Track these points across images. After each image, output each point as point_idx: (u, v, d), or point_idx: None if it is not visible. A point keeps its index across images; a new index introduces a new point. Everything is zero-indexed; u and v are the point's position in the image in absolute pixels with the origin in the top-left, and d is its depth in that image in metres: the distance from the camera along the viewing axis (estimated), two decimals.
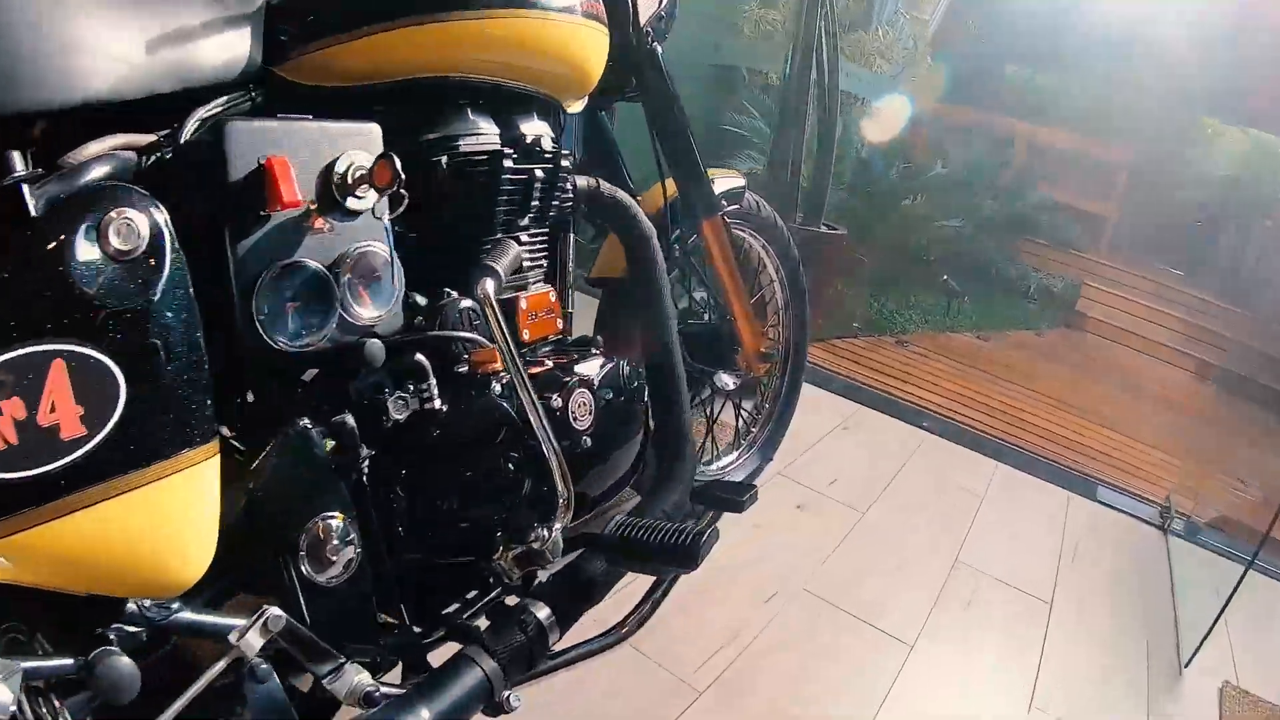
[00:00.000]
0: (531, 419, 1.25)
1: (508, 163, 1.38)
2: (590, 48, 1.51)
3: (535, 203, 1.47)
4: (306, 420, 1.11)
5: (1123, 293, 7.63)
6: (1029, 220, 7.55)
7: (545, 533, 1.29)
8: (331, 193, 1.09)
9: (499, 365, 1.32)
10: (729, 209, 2.23)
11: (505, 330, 1.23)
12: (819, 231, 3.50)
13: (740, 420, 2.66)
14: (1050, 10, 8.32)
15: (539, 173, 1.44)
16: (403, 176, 1.08)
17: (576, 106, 1.64)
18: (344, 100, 1.24)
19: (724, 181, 2.24)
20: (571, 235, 1.70)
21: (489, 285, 1.24)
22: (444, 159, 1.32)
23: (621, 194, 1.69)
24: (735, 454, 2.64)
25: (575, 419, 1.39)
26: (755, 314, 2.36)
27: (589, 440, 1.42)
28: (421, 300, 1.33)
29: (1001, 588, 2.50)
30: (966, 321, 6.04)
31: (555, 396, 1.37)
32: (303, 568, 1.09)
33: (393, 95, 1.27)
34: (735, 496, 1.61)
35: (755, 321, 2.28)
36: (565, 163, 1.51)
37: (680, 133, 2.01)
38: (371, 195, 1.12)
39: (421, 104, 1.33)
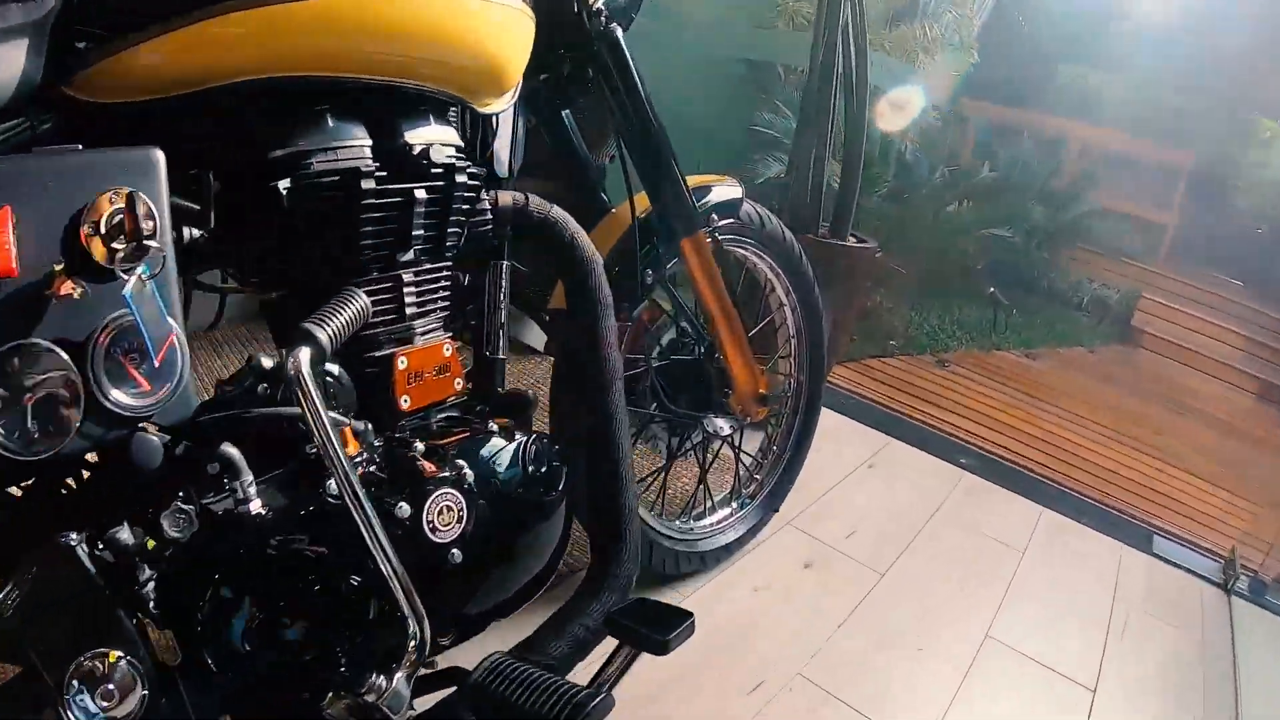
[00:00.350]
0: (364, 534, 0.95)
1: (368, 183, 1.07)
2: (503, 32, 1.21)
3: (421, 230, 1.17)
4: (72, 536, 0.87)
5: (1181, 306, 7.21)
6: (1082, 228, 7.13)
7: (383, 681, 0.98)
8: (81, 248, 0.82)
9: (350, 449, 1.03)
10: (721, 224, 1.91)
11: (323, 412, 0.93)
12: (845, 245, 3.12)
13: (741, 466, 2.33)
14: (1103, 7, 7.91)
15: (421, 193, 1.14)
16: (146, 227, 0.83)
17: (496, 105, 1.32)
18: (159, 117, 0.95)
19: (717, 190, 1.92)
20: (505, 264, 1.39)
21: (302, 355, 0.93)
22: (285, 183, 1.03)
23: (557, 212, 1.38)
24: (731, 507, 2.30)
25: (434, 530, 1.07)
26: (760, 346, 2.05)
27: (458, 554, 1.11)
28: (268, 363, 1.04)
29: (1038, 671, 2.14)
30: (1014, 337, 5.64)
31: (401, 502, 1.05)
32: (70, 714, 0.86)
33: (224, 104, 0.99)
34: (657, 634, 1.24)
35: (751, 358, 1.95)
36: (467, 176, 1.21)
37: (650, 134, 1.68)
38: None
39: (265, 113, 1.04)
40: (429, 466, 1.10)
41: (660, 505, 2.18)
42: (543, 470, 1.23)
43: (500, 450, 1.20)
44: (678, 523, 2.16)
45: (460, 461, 1.14)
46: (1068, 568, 2.69)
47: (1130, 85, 8.00)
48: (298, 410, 0.98)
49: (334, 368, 1.09)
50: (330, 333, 1.00)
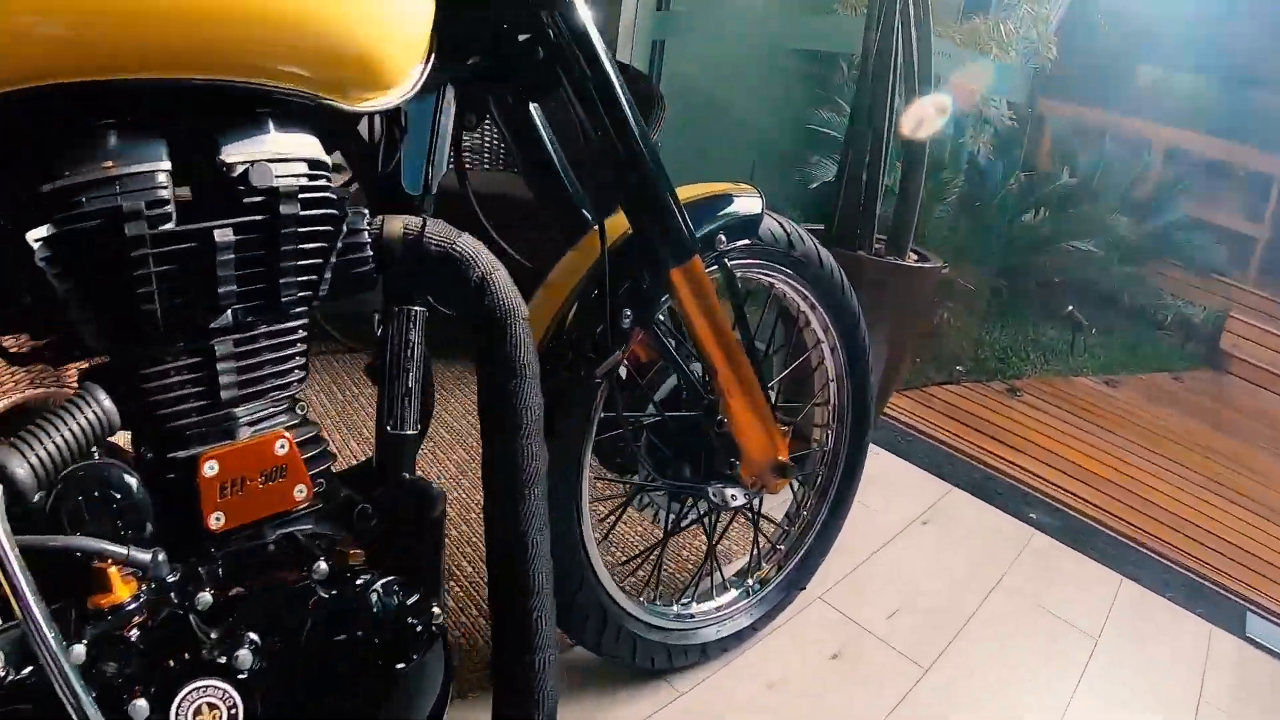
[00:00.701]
0: None
1: (136, 227, 0.74)
2: (369, 4, 0.86)
3: (234, 285, 0.81)
4: None
5: (1273, 327, 6.64)
6: (1166, 240, 6.59)
7: None
8: None
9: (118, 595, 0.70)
10: (732, 247, 1.51)
11: (17, 571, 0.65)
12: (903, 265, 2.69)
13: (760, 537, 1.92)
14: (1186, 3, 7.37)
15: (226, 234, 0.79)
16: None
17: (379, 101, 0.93)
18: None
19: (728, 204, 1.53)
20: (417, 311, 1.03)
21: None
22: (41, 231, 0.74)
23: (465, 243, 1.00)
24: (745, 586, 1.90)
25: None
26: (793, 391, 1.65)
27: None
28: None
29: None
30: (1093, 361, 5.16)
31: (136, 700, 0.72)
32: None
33: None
34: None
35: (768, 417, 1.55)
36: (308, 205, 0.85)
37: (625, 134, 1.27)
38: None
39: (32, 135, 0.75)
40: (201, 640, 0.74)
41: (653, 589, 1.79)
42: (392, 634, 0.85)
43: (324, 605, 0.84)
44: (675, 608, 1.77)
45: (250, 634, 0.77)
46: (1148, 658, 2.24)
47: (1217, 86, 7.46)
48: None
49: (130, 478, 0.78)
50: (36, 462, 0.71)
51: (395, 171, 1.06)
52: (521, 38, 1.22)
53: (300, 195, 0.84)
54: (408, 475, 1.04)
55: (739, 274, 1.59)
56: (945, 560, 2.43)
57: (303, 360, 0.94)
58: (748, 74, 4.19)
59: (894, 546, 2.43)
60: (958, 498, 2.83)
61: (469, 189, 1.33)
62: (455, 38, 1.06)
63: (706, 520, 1.79)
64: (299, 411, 0.96)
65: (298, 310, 0.90)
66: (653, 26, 3.73)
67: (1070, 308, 5.40)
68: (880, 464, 2.90)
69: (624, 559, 2.08)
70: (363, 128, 1.06)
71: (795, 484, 1.96)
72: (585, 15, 1.19)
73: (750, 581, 1.90)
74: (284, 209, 0.83)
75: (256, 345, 0.88)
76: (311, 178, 0.87)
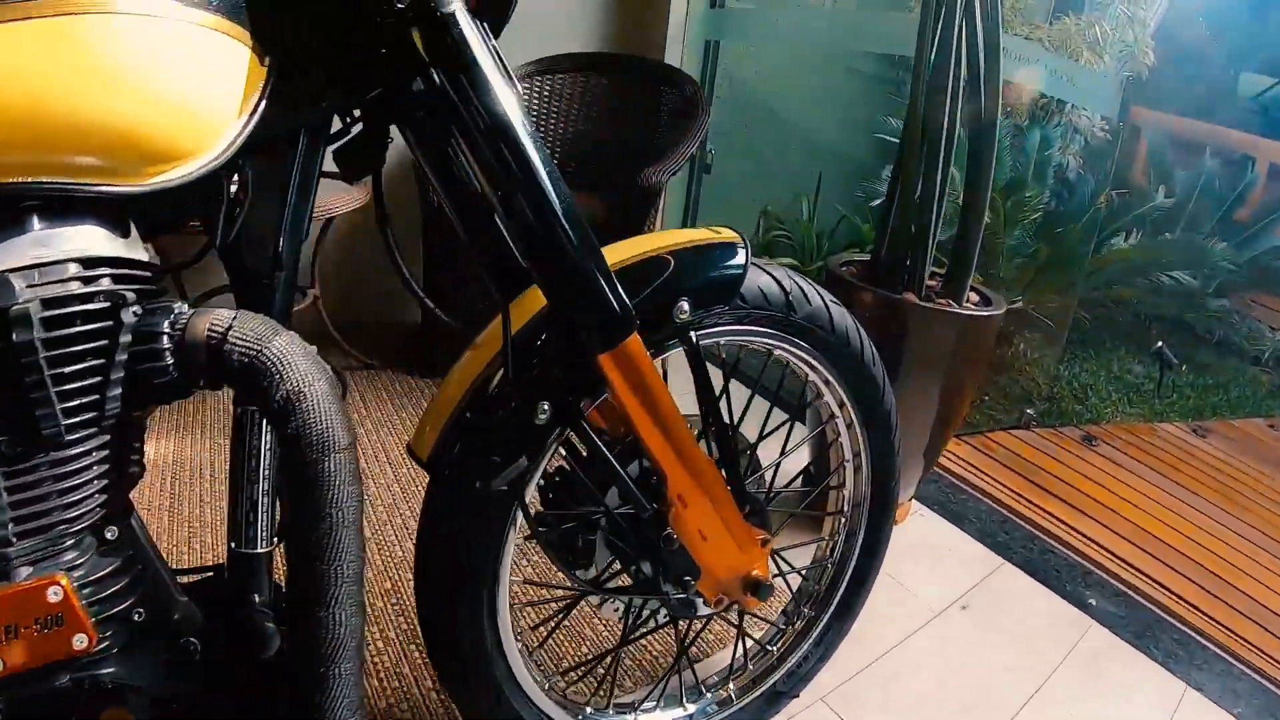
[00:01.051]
0: None
1: None
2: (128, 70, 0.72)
3: None
4: None
5: None
6: (1268, 267, 6.10)
7: None
8: None
9: None
10: (700, 316, 1.21)
11: None
12: (955, 312, 2.29)
13: (747, 640, 1.62)
14: None
15: None
16: None
17: (177, 171, 0.75)
18: None
19: (697, 259, 1.23)
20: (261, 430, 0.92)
21: None
22: None
23: (276, 348, 0.79)
24: (716, 697, 1.60)
25: None
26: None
27: None
28: None
29: None
30: (1181, 404, 4.73)
31: None
32: None
33: None
34: None
35: (737, 521, 1.26)
36: (84, 319, 0.76)
37: (533, 190, 0.97)
38: None
39: None
40: None
41: (605, 696, 1.50)
42: None
43: None
44: (631, 716, 1.49)
45: None
46: None
47: None
48: None
49: None
50: None
51: (234, 250, 0.90)
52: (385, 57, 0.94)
53: (49, 312, 0.72)
54: (257, 599, 0.93)
55: (724, 341, 1.30)
56: (981, 658, 2.08)
57: (105, 483, 0.83)
58: (813, 77, 3.89)
59: (921, 637, 2.09)
60: (1008, 576, 2.47)
61: (390, 238, 1.07)
62: (304, 75, 0.86)
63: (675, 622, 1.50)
64: (109, 536, 0.85)
65: (68, 440, 0.78)
66: (705, 26, 3.43)
67: (1160, 344, 4.96)
68: (925, 528, 2.56)
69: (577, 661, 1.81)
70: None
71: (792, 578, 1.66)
72: (471, 34, 0.90)
73: (730, 690, 1.60)
74: (17, 335, 0.71)
75: (33, 477, 0.78)
76: (85, 280, 0.75)
